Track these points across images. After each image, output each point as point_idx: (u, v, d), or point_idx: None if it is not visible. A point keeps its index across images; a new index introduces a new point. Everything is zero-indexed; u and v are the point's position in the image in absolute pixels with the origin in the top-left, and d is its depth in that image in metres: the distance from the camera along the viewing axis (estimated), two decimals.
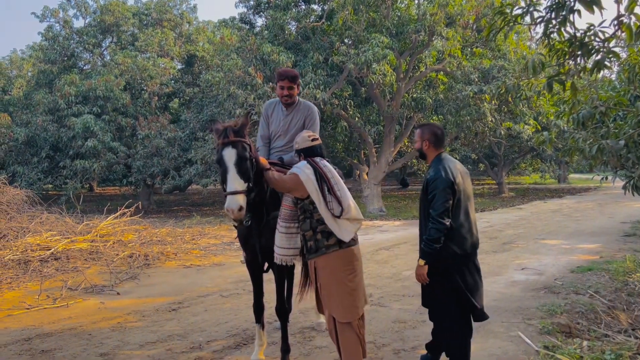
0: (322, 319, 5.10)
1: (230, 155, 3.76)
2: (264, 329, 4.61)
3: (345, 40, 17.48)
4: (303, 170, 3.84)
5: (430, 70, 18.82)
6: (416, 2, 18.17)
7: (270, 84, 15.73)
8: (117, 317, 6.06)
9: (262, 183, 4.07)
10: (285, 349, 4.42)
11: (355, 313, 3.77)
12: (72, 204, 15.26)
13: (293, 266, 4.35)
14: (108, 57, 25.67)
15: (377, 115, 20.55)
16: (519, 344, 4.75)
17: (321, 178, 3.81)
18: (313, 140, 4.01)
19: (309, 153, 3.99)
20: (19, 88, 28.23)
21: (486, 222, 14.25)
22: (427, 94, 19.38)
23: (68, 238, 9.86)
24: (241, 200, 3.68)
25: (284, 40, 17.66)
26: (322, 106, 16.51)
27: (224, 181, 3.80)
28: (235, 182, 3.71)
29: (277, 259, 4.05)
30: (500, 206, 19.92)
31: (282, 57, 15.83)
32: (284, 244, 4.00)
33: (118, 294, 7.23)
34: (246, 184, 3.77)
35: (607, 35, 4.29)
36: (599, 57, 4.40)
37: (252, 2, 19.45)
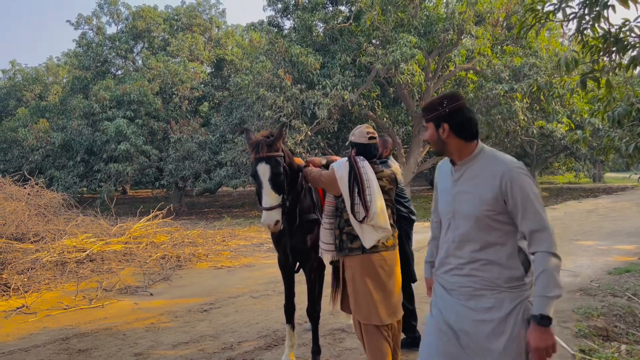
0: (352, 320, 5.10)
1: (264, 171, 3.79)
2: (295, 330, 4.63)
3: (373, 41, 17.46)
4: (339, 167, 3.78)
5: (460, 69, 18.62)
6: (444, 0, 18.02)
7: (299, 85, 15.80)
8: (150, 317, 6.18)
9: (296, 188, 4.11)
10: (316, 351, 4.43)
11: (376, 318, 3.62)
12: (107, 207, 15.61)
13: (323, 268, 4.35)
14: (140, 63, 26.21)
15: (406, 115, 20.43)
16: None
17: (354, 179, 3.65)
18: (370, 138, 3.80)
19: (360, 150, 3.81)
20: (55, 94, 29.08)
21: None
22: None
23: (103, 240, 10.08)
24: (277, 215, 3.76)
25: (311, 42, 17.74)
26: (350, 107, 16.52)
27: (259, 195, 3.86)
28: (270, 197, 3.76)
29: (322, 255, 3.99)
30: None
31: (311, 58, 15.90)
32: (329, 239, 3.94)
33: (151, 294, 7.36)
34: (281, 196, 3.82)
35: None
36: (634, 52, 4.30)
37: (279, 5, 19.59)
